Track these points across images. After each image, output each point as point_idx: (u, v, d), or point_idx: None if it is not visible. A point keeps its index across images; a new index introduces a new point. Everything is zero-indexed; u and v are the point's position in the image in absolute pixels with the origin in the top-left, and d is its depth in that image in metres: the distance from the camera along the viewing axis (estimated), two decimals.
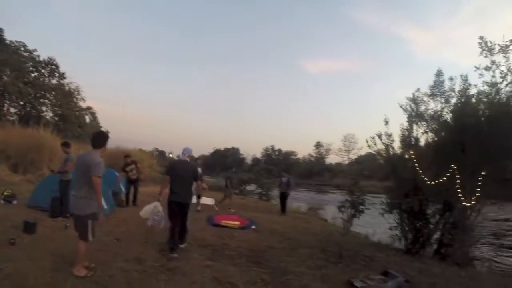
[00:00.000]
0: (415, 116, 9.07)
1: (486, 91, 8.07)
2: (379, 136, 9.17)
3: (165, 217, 6.53)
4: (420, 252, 8.31)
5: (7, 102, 29.99)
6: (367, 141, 9.36)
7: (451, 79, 8.74)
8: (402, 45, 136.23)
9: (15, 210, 8.13)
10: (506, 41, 7.68)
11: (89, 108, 37.82)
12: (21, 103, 30.76)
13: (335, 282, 5.29)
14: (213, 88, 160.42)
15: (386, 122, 9.11)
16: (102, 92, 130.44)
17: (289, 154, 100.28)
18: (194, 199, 9.02)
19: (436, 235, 8.57)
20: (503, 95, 7.80)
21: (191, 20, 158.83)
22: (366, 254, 7.36)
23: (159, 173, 25.03)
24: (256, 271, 5.49)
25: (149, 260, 5.43)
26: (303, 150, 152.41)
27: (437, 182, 7.81)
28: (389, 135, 9.12)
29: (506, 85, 7.76)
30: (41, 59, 32.75)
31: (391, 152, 9.23)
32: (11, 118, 29.49)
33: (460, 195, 7.55)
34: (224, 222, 9.43)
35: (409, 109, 9.14)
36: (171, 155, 49.51)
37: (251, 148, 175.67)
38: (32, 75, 31.91)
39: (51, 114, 32.83)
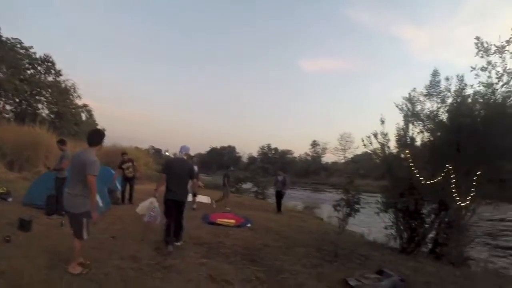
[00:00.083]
0: (411, 115, 9.09)
1: (482, 91, 8.09)
2: (375, 135, 9.19)
3: (161, 213, 6.58)
4: (415, 251, 8.33)
5: (3, 99, 29.84)
6: (363, 140, 9.39)
7: (447, 79, 8.76)
8: (400, 45, 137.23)
9: (10, 208, 8.11)
10: (502, 42, 7.70)
11: (85, 105, 37.82)
12: (17, 100, 30.62)
13: (330, 281, 5.29)
14: (210, 87, 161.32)
15: (382, 122, 9.14)
16: (98, 90, 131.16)
17: (285, 152, 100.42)
18: (190, 197, 9.04)
19: (431, 235, 8.60)
20: (499, 95, 7.82)
21: (189, 19, 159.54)
22: (361, 253, 7.37)
23: (155, 171, 25.04)
24: (251, 269, 5.49)
25: (144, 258, 5.43)
26: (300, 149, 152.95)
27: (432, 182, 7.83)
28: (385, 135, 9.14)
29: (502, 85, 7.78)
30: (37, 56, 32.65)
31: (386, 152, 9.25)
32: (7, 115, 29.41)
33: (455, 194, 7.58)
34: (220, 220, 9.43)
35: (405, 108, 9.16)
36: (167, 153, 49.59)
37: (248, 147, 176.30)
38: (28, 72, 31.80)
39: (47, 111, 32.74)
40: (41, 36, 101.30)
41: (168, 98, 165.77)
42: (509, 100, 7.83)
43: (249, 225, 9.56)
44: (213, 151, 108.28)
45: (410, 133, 9.07)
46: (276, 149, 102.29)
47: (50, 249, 5.22)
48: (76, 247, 4.50)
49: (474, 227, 8.59)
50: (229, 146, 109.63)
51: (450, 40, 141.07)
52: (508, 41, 7.64)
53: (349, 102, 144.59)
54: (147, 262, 5.23)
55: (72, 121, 32.93)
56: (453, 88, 8.62)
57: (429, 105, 9.04)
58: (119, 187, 11.69)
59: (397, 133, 9.17)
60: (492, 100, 7.86)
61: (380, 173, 10.03)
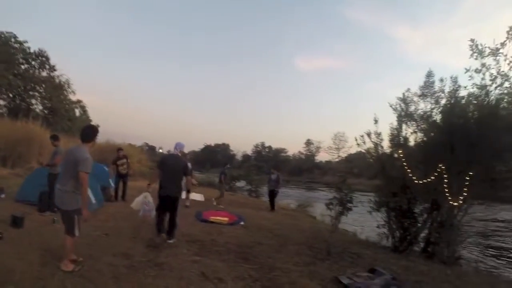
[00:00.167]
0: (404, 116, 9.14)
1: (476, 93, 8.13)
2: (368, 134, 9.22)
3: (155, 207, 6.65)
4: (407, 250, 8.37)
5: None
6: (356, 140, 9.41)
7: (441, 80, 8.82)
8: (395, 45, 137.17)
9: (3, 204, 8.07)
10: (497, 44, 7.75)
11: (79, 101, 37.50)
12: (11, 95, 30.34)
13: (322, 279, 5.31)
14: (204, 85, 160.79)
15: (376, 121, 9.17)
16: (93, 86, 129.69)
17: (279, 151, 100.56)
18: (183, 195, 9.05)
19: (424, 234, 8.65)
20: (492, 97, 7.88)
21: (186, 17, 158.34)
22: (353, 252, 7.41)
23: (149, 168, 24.99)
24: (244, 267, 5.50)
25: (137, 255, 5.42)
26: (294, 147, 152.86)
27: (425, 182, 7.88)
28: (378, 134, 9.17)
29: (496, 87, 7.84)
30: (31, 50, 32.34)
31: (380, 151, 9.29)
32: (0, 110, 29.21)
33: (447, 194, 7.63)
34: (213, 218, 9.44)
35: (399, 108, 9.21)
36: (161, 150, 49.42)
37: (242, 145, 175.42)
38: (22, 67, 31.46)
39: (40, 107, 32.39)
40: (36, 31, 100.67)
41: (162, 95, 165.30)
42: (502, 102, 7.89)
43: (242, 223, 9.58)
44: (207, 149, 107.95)
45: (403, 133, 9.12)
46: (270, 147, 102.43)
47: (43, 246, 5.20)
48: (68, 244, 4.48)
49: (466, 227, 8.63)
50: (223, 144, 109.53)
51: (445, 42, 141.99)
52: (502, 44, 7.69)
53: (344, 102, 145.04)
54: (140, 260, 5.22)
55: (65, 117, 32.61)
56: (447, 89, 8.70)
57: (423, 106, 9.12)
58: (112, 184, 11.67)
59: (391, 133, 9.21)
60: (485, 102, 7.91)
61: (373, 172, 10.06)
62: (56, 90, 32.52)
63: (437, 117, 8.85)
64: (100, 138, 25.02)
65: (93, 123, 34.65)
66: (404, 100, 9.24)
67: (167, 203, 6.53)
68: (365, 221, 11.04)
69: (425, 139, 8.99)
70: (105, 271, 4.51)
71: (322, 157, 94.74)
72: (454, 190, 7.67)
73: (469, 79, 8.10)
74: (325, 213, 8.80)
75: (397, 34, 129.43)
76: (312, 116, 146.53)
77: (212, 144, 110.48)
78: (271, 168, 16.16)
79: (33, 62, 32.57)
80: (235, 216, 10.34)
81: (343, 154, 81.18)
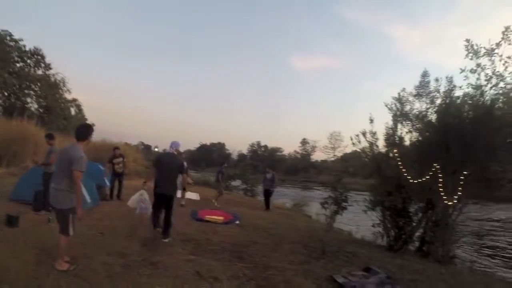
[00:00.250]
0: (400, 115, 9.17)
1: (471, 93, 8.17)
2: (364, 134, 9.23)
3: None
4: (402, 249, 8.38)
5: None
6: (351, 139, 9.43)
7: (436, 80, 8.86)
8: (391, 45, 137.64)
9: None
10: (492, 45, 7.79)
11: (74, 100, 37.36)
12: (6, 94, 30.10)
13: (317, 278, 5.31)
14: (200, 84, 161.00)
15: (371, 121, 9.19)
16: (89, 85, 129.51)
17: (275, 150, 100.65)
18: (179, 194, 9.05)
19: (419, 233, 8.68)
20: (488, 97, 7.92)
21: (181, 16, 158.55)
22: (348, 250, 7.42)
23: (144, 167, 24.95)
24: (238, 266, 5.50)
25: (132, 254, 5.41)
26: (289, 146, 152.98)
27: (420, 181, 7.90)
28: (373, 133, 9.19)
29: (491, 88, 7.88)
30: (27, 49, 32.12)
31: (375, 150, 9.31)
32: None
33: (442, 194, 7.65)
34: (208, 217, 9.42)
35: (394, 108, 9.24)
36: (156, 149, 49.33)
37: (237, 144, 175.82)
38: (18, 65, 31.18)
39: (36, 105, 32.21)
40: (36, 31, 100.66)
41: (158, 95, 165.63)
42: (497, 103, 7.92)
43: (237, 222, 9.56)
44: (203, 148, 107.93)
45: (398, 133, 9.16)
46: (265, 146, 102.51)
47: (38, 245, 5.18)
48: (62, 243, 4.47)
49: (461, 226, 8.67)
50: (219, 143, 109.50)
51: (441, 41, 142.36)
52: (497, 44, 7.72)
53: (340, 101, 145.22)
54: (135, 259, 5.21)
55: (61, 116, 32.45)
56: (442, 89, 8.74)
57: (418, 105, 9.17)
58: (107, 183, 11.63)
59: (386, 132, 9.24)
60: (480, 102, 7.95)
61: (369, 171, 10.08)
62: (52, 88, 32.33)
63: (432, 117, 8.89)
64: (96, 137, 25.04)
65: (88, 122, 34.58)
66: (400, 99, 9.28)
67: (163, 201, 6.59)
68: (361, 220, 11.05)
69: (420, 138, 9.02)
70: (100, 270, 4.50)
71: (317, 156, 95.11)
72: (449, 190, 7.70)
73: (464, 79, 8.15)
74: (320, 212, 8.80)
75: (394, 33, 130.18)
76: (308, 116, 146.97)
77: (208, 143, 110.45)
78: (267, 167, 16.15)
79: (28, 61, 32.33)
80: (230, 215, 10.33)
81: (339, 153, 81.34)
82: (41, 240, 5.48)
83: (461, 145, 7.73)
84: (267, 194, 14.40)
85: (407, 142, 9.25)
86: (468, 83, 8.13)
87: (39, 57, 32.77)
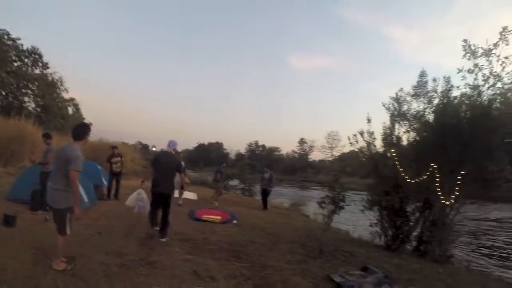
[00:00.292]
0: (397, 115, 9.19)
1: (468, 93, 8.18)
2: (361, 133, 9.26)
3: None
4: (399, 248, 8.40)
5: None
6: (349, 139, 9.44)
7: (434, 80, 8.88)
8: (389, 45, 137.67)
9: None
10: (490, 45, 7.80)
11: (72, 99, 37.18)
12: (3, 93, 29.94)
13: (314, 277, 5.31)
14: (198, 83, 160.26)
15: (369, 120, 9.21)
16: (87, 84, 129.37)
17: (272, 150, 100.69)
18: (176, 193, 9.06)
19: (416, 232, 8.70)
20: (485, 98, 7.93)
21: (179, 15, 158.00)
22: (346, 250, 7.43)
23: (142, 167, 24.92)
24: (236, 265, 5.50)
25: (129, 253, 5.40)
26: (287, 146, 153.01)
27: (417, 181, 7.92)
28: (371, 133, 9.21)
29: (488, 88, 7.89)
30: (24, 48, 31.95)
31: (372, 150, 9.33)
32: None
33: (439, 193, 7.67)
34: (206, 217, 9.42)
35: (391, 108, 9.26)
36: (154, 149, 49.26)
37: (235, 143, 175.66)
38: (15, 64, 31.01)
39: (33, 105, 31.96)
40: (35, 30, 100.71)
41: (156, 94, 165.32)
42: (494, 103, 7.94)
43: (235, 221, 9.57)
44: (201, 147, 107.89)
45: (396, 132, 9.18)
46: (263, 146, 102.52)
47: (35, 245, 5.16)
48: (59, 243, 4.45)
49: (458, 226, 8.71)
50: (217, 143, 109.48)
51: (439, 41, 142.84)
52: (495, 44, 7.73)
53: (338, 101, 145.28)
54: (132, 258, 5.20)
55: (58, 115, 32.23)
56: (439, 89, 8.75)
57: (416, 105, 9.18)
58: (105, 182, 11.62)
59: (384, 132, 9.26)
60: (478, 102, 7.96)
61: (366, 171, 10.09)
62: (49, 88, 32.15)
63: (430, 117, 8.91)
64: (93, 136, 24.94)
65: (86, 121, 34.46)
66: (397, 99, 9.30)
67: (160, 200, 6.64)
68: (358, 220, 11.08)
69: (417, 138, 9.04)
70: (97, 270, 4.49)
71: (315, 156, 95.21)
72: (446, 189, 7.72)
73: (462, 79, 8.17)
74: (318, 212, 8.80)
75: (392, 33, 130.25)
76: (306, 115, 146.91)
77: (206, 143, 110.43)
78: (264, 167, 16.14)
79: (26, 60, 32.12)
80: (228, 214, 10.33)
81: (337, 153, 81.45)
82: (38, 239, 5.46)
83: (458, 145, 7.75)
84: (265, 193, 14.39)
85: (404, 142, 9.27)
86: (466, 83, 8.15)
87: (36, 56, 32.58)
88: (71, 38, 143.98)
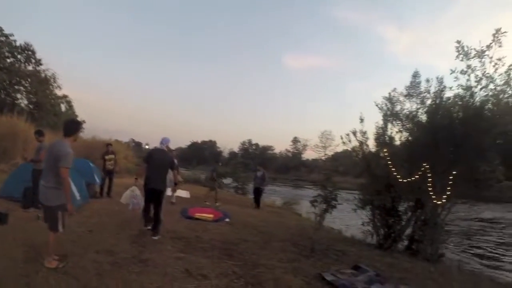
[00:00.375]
0: (390, 115, 9.24)
1: (461, 94, 8.23)
2: (354, 133, 9.30)
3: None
4: (391, 247, 8.44)
5: None
6: (342, 138, 9.48)
7: (427, 80, 8.93)
8: (383, 45, 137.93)
9: None
10: (483, 47, 7.84)
11: (65, 96, 36.84)
12: None
13: (306, 276, 5.32)
14: (192, 82, 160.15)
15: (361, 120, 9.26)
16: (79, 81, 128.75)
17: (266, 148, 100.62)
18: (169, 191, 9.04)
19: (408, 232, 8.75)
20: (477, 99, 7.98)
21: (172, 13, 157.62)
22: (338, 249, 7.46)
23: (135, 165, 24.84)
24: (228, 264, 5.50)
25: (121, 251, 5.38)
26: (281, 145, 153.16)
27: (409, 180, 7.96)
28: (363, 133, 9.25)
29: (481, 89, 7.94)
30: (17, 44, 31.69)
31: (365, 150, 9.36)
32: None
33: (431, 193, 7.71)
34: (198, 215, 9.40)
35: (384, 108, 9.31)
36: (147, 147, 49.16)
37: (229, 142, 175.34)
38: (8, 60, 30.71)
39: (26, 101, 31.63)
40: (35, 30, 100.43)
41: (150, 92, 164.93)
42: (487, 104, 7.99)
43: (227, 219, 9.54)
44: (194, 146, 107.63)
45: (389, 132, 9.24)
46: (257, 144, 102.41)
47: (27, 243, 5.13)
48: (51, 240, 4.42)
49: (450, 226, 8.75)
50: (210, 141, 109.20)
51: (432, 42, 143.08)
52: (488, 46, 7.78)
53: (331, 100, 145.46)
54: (124, 256, 5.19)
55: (51, 112, 31.88)
56: (432, 89, 8.81)
57: (409, 106, 9.24)
58: (97, 180, 11.56)
59: (376, 132, 9.30)
60: (470, 103, 8.01)
61: (359, 170, 10.14)
62: (42, 84, 31.85)
63: (423, 117, 8.96)
64: (87, 134, 24.84)
65: (79, 118, 34.24)
66: (390, 99, 9.35)
67: (152, 196, 6.66)
68: (351, 219, 11.12)
69: (410, 138, 9.09)
70: (89, 268, 4.47)
71: (309, 155, 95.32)
72: (438, 189, 7.76)
73: (455, 80, 8.21)
74: (310, 211, 8.83)
75: (385, 34, 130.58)
76: (300, 114, 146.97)
77: (199, 141, 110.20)
78: (257, 165, 16.15)
79: (19, 56, 31.87)
80: (220, 213, 10.31)
81: (330, 152, 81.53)
82: (30, 237, 5.43)
83: (450, 145, 7.81)
84: (258, 192, 14.39)
85: (397, 142, 9.33)
86: (459, 84, 8.20)
87: (29, 52, 32.26)
88: (71, 38, 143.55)
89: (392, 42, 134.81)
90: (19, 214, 7.11)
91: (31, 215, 7.06)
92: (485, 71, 7.85)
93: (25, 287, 3.73)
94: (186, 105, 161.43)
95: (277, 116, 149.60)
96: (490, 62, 7.77)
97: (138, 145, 74.76)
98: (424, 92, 8.97)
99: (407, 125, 9.15)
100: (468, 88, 8.04)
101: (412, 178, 7.89)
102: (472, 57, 7.97)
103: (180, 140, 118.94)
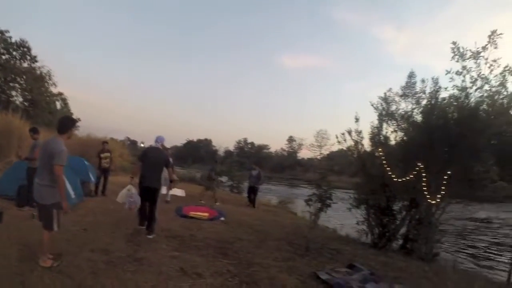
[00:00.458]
0: (385, 115, 9.27)
1: (456, 94, 8.27)
2: (349, 132, 9.32)
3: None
4: (386, 246, 8.48)
5: None
6: (337, 137, 9.50)
7: (422, 81, 8.98)
8: (379, 46, 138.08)
9: None
10: (478, 48, 7.88)
11: (60, 93, 36.68)
12: None
13: (301, 274, 5.33)
14: (188, 80, 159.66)
15: (357, 119, 9.30)
16: (75, 79, 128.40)
17: (261, 147, 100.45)
18: (164, 190, 9.03)
19: (402, 231, 8.78)
20: (472, 99, 8.03)
21: (172, 13, 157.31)
22: (332, 247, 7.48)
23: (130, 163, 24.78)
24: (223, 262, 5.50)
25: (116, 250, 5.37)
26: (276, 144, 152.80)
27: (404, 180, 7.99)
28: (359, 132, 9.29)
29: (476, 90, 7.99)
30: (13, 40, 31.47)
31: (360, 149, 9.39)
32: None
33: (426, 193, 7.74)
34: (193, 213, 9.40)
35: (380, 108, 9.34)
36: (142, 145, 49.05)
37: (224, 141, 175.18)
38: (3, 57, 30.52)
39: (20, 99, 31.49)
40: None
41: (145, 90, 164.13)
42: (482, 105, 8.03)
43: (222, 218, 9.54)
44: (189, 144, 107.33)
45: (384, 132, 9.28)
46: (252, 143, 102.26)
47: (21, 241, 5.12)
48: (45, 239, 4.40)
49: (444, 225, 8.79)
50: (206, 139, 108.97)
51: (428, 43, 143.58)
52: (483, 47, 7.81)
53: (327, 99, 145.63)
54: (119, 255, 5.18)
55: (46, 110, 31.78)
56: (428, 90, 8.86)
57: (404, 106, 9.27)
58: (92, 178, 11.53)
59: (371, 132, 9.34)
60: (465, 104, 8.05)
61: (354, 170, 10.17)
62: (37, 81, 31.67)
63: (418, 117, 9.00)
64: (82, 131, 24.76)
65: (74, 116, 34.07)
66: (386, 99, 9.37)
67: (147, 195, 6.67)
68: (346, 218, 11.14)
69: (405, 138, 9.13)
70: (84, 267, 4.46)
71: (304, 154, 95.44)
72: (433, 189, 7.79)
73: (450, 81, 8.27)
74: (305, 210, 8.85)
75: (382, 34, 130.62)
76: (296, 113, 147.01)
77: (195, 140, 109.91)
78: (252, 164, 16.14)
79: (14, 53, 31.69)
80: (215, 211, 10.31)
81: (325, 151, 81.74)
82: (24, 236, 5.42)
83: (445, 145, 7.85)
84: (253, 191, 14.38)
85: (392, 142, 9.37)
86: (454, 85, 8.25)
87: (25, 49, 32.10)
88: (71, 38, 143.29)
89: (389, 42, 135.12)
90: (13, 213, 7.10)
91: (26, 214, 7.05)
92: (480, 72, 7.91)
93: (19, 286, 3.73)
94: (182, 104, 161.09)
95: (273, 115, 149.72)
96: (486, 64, 7.83)
97: (133, 143, 74.42)
98: (420, 93, 9.01)
99: (402, 125, 9.19)
100: (463, 89, 8.08)
101: (407, 178, 7.91)
102: (468, 58, 8.02)
103: (175, 139, 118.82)
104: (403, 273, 6.22)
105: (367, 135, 9.40)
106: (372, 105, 9.43)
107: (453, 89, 8.28)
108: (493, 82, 7.89)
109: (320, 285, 5.02)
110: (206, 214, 9.61)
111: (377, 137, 9.24)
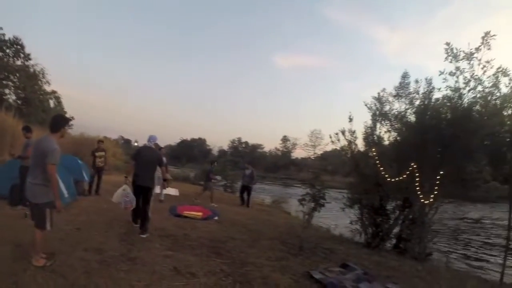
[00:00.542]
0: (379, 115, 9.31)
1: (449, 95, 8.31)
2: (343, 132, 9.35)
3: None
4: (379, 246, 8.51)
5: None
6: (330, 137, 9.53)
7: (416, 81, 9.03)
8: (373, 46, 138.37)
9: None
10: (471, 49, 7.91)
11: (53, 92, 36.50)
12: None
13: (294, 274, 5.34)
14: (182, 79, 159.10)
15: (350, 119, 9.32)
16: (68, 77, 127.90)
17: (255, 147, 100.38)
18: (158, 189, 9.01)
19: (396, 230, 8.82)
20: (465, 100, 8.07)
21: (168, 11, 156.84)
22: (326, 247, 7.49)
23: (124, 162, 24.72)
24: (216, 262, 5.49)
25: (109, 249, 5.35)
26: (270, 143, 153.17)
27: (397, 180, 8.02)
28: (352, 132, 9.31)
29: (469, 91, 8.03)
30: (6, 38, 31.26)
31: (354, 149, 9.42)
32: None
33: (419, 192, 7.78)
34: (187, 213, 9.37)
35: (373, 108, 9.38)
36: (136, 144, 48.90)
37: (218, 140, 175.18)
38: None
39: (14, 97, 31.29)
40: (32, 28, 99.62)
41: (140, 89, 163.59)
42: (475, 106, 8.07)
43: (216, 218, 9.53)
44: (183, 143, 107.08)
45: (377, 132, 9.31)
46: (246, 143, 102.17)
47: (14, 241, 5.09)
48: (38, 238, 4.37)
49: (437, 225, 8.84)
50: (200, 139, 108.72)
51: (422, 44, 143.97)
52: (477, 49, 7.85)
53: (321, 99, 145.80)
54: (112, 254, 5.16)
55: (39, 108, 31.58)
56: (421, 90, 8.90)
57: (398, 106, 9.31)
58: (85, 177, 11.48)
59: (365, 131, 9.37)
60: (458, 104, 8.10)
61: (348, 169, 10.20)
62: (31, 79, 31.49)
63: (411, 117, 9.05)
64: (75, 130, 24.65)
65: (68, 115, 33.91)
66: (379, 99, 9.41)
67: (140, 193, 6.71)
68: (340, 217, 11.17)
69: (398, 138, 9.18)
70: (77, 266, 4.44)
71: (298, 153, 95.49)
72: (426, 189, 7.84)
73: (443, 82, 8.30)
74: (299, 209, 8.86)
75: (376, 35, 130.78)
76: (289, 113, 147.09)
77: (188, 139, 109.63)
78: (246, 163, 16.12)
79: (7, 50, 31.44)
80: (209, 211, 10.29)
81: (319, 151, 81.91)
82: (17, 235, 5.38)
83: (438, 145, 7.89)
84: (246, 190, 14.35)
85: (385, 142, 9.41)
86: (447, 86, 8.29)
87: (18, 47, 31.91)
88: (71, 38, 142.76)
89: (383, 42, 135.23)
90: (6, 212, 7.07)
91: (19, 213, 6.99)
92: (473, 73, 7.94)
93: (12, 285, 3.70)
94: (176, 102, 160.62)
95: (267, 115, 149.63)
96: (479, 65, 7.86)
97: (127, 142, 74.18)
98: (413, 93, 9.06)
99: (396, 125, 9.23)
100: (456, 89, 8.13)
101: (400, 178, 7.95)
102: (461, 59, 8.05)
103: (169, 138, 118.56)
104: (396, 272, 6.25)
105: (361, 135, 9.45)
106: (366, 105, 9.49)
107: (446, 90, 8.34)
108: (486, 83, 7.92)
109: (314, 284, 5.02)
110: (200, 213, 9.59)
111: (370, 137, 9.28)
